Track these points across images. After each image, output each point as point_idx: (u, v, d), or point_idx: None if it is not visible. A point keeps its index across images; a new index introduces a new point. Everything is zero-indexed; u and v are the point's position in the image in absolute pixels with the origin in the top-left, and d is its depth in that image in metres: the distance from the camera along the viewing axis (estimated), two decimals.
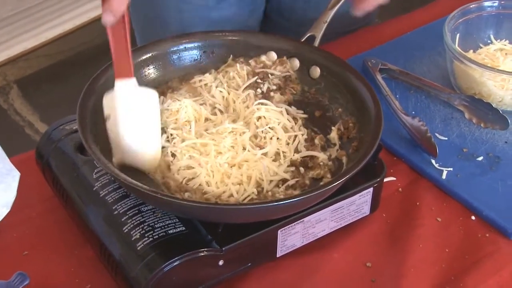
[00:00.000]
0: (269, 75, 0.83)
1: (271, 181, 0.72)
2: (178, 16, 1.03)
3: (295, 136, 0.77)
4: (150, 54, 0.81)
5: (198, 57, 0.84)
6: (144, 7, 1.06)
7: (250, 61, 0.84)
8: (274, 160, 0.74)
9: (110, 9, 0.65)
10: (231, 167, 0.72)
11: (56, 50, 2.23)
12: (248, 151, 0.73)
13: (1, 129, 1.95)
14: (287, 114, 0.79)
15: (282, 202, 0.66)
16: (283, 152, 0.75)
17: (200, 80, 0.82)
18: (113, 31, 0.68)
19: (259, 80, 0.82)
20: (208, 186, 0.70)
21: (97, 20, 2.22)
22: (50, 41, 2.20)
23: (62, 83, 2.12)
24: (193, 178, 0.71)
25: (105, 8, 0.66)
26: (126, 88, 0.71)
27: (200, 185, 0.70)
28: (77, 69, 2.13)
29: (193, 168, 0.71)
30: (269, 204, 0.67)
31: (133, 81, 0.71)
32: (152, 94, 0.73)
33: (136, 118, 0.71)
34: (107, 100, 0.71)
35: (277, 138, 0.76)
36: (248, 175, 0.71)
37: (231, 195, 0.70)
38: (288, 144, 0.76)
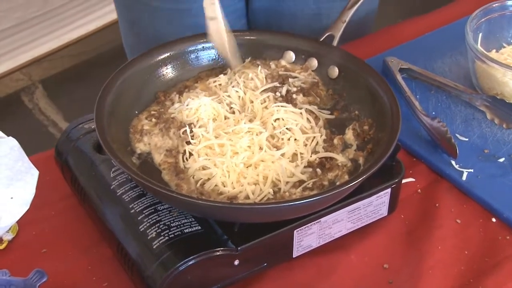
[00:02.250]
0: (290, 78, 0.82)
1: (287, 182, 0.72)
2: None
3: (314, 137, 0.76)
4: (168, 54, 0.81)
5: (216, 56, 0.84)
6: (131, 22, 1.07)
7: (270, 63, 0.84)
8: (291, 161, 0.74)
9: None
10: (247, 167, 0.72)
11: (79, 51, 2.25)
12: (265, 151, 0.73)
13: (26, 128, 1.98)
14: (310, 114, 0.78)
15: (297, 202, 0.65)
16: (300, 153, 0.74)
17: (215, 81, 0.82)
18: None
19: (277, 85, 0.81)
20: (224, 186, 0.70)
21: None
22: (73, 41, 2.22)
23: (85, 83, 2.14)
24: (208, 179, 0.71)
25: None
26: None
27: (216, 185, 0.70)
28: (100, 69, 2.14)
29: (209, 168, 0.71)
30: (284, 204, 0.66)
31: None
32: None
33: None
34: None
35: (295, 139, 0.75)
36: (265, 175, 0.71)
37: (247, 197, 0.69)
38: (305, 145, 0.75)
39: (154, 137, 0.75)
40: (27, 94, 2.12)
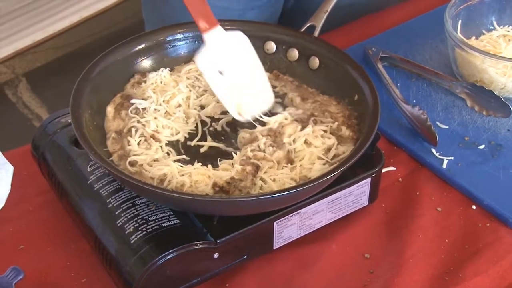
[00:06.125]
0: None
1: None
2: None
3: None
4: (145, 44, 0.80)
5: (195, 47, 0.83)
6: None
7: None
8: None
9: None
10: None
11: (64, 43, 2.23)
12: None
13: (10, 122, 1.96)
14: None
15: (275, 195, 0.65)
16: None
17: (190, 70, 0.81)
18: None
19: None
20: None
21: (104, 12, 2.21)
22: (58, 33, 2.20)
23: (70, 75, 2.10)
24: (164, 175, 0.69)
25: None
26: (219, 37, 0.73)
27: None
28: (85, 61, 2.10)
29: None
30: (262, 197, 0.66)
31: (220, 28, 0.73)
32: (240, 34, 0.76)
33: (243, 61, 0.74)
34: (206, 58, 0.73)
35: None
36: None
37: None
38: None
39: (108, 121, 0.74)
40: (11, 88, 2.10)
